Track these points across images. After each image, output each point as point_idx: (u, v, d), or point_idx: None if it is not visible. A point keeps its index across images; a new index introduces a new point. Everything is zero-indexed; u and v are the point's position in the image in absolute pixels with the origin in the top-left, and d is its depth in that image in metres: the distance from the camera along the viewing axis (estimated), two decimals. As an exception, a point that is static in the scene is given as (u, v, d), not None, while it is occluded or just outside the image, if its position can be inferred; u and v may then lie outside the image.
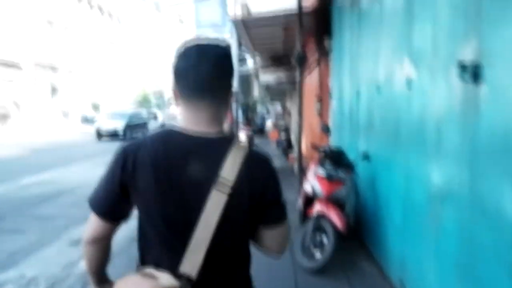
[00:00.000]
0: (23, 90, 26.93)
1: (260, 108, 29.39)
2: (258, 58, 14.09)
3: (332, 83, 6.22)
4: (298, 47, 6.69)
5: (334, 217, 3.53)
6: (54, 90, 30.11)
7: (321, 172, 3.70)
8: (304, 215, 3.94)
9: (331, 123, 6.33)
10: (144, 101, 40.65)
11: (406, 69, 2.94)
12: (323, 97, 6.82)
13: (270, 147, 15.50)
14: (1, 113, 25.06)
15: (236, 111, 12.24)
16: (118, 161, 1.04)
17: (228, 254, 1.05)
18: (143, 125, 20.68)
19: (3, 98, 25.31)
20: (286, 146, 11.86)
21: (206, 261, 0.97)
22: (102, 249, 1.13)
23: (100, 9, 36.26)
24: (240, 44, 14.02)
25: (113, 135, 18.08)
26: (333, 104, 6.12)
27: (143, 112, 23.02)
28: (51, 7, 28.52)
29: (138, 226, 1.09)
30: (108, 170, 1.07)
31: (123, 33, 40.31)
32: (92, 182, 4.91)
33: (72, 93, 31.80)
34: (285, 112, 18.82)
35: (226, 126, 1.14)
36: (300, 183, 6.96)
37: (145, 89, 42.64)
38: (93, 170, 9.36)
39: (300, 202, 4.31)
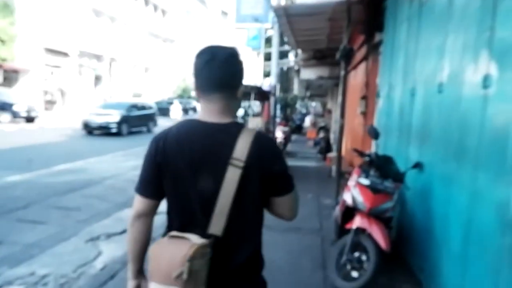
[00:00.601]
0: (69, 77, 27.98)
1: (299, 105, 28.73)
2: (300, 53, 13.54)
3: (381, 81, 5.61)
4: (344, 40, 6.12)
5: (377, 234, 3.02)
6: (98, 79, 31.10)
7: (365, 181, 3.19)
8: (342, 229, 3.45)
9: (376, 125, 5.72)
10: (184, 93, 41.15)
11: (483, 65, 2.37)
12: (368, 96, 6.22)
13: (306, 146, 14.94)
14: (48, 99, 26.16)
15: (274, 107, 11.80)
16: (152, 148, 1.30)
17: (244, 218, 1.25)
18: (149, 118, 17.91)
19: (50, 84, 26.41)
20: (324, 147, 11.27)
21: (228, 223, 1.20)
22: (145, 225, 1.33)
23: (146, 1, 37.00)
24: (282, 37, 13.52)
25: (105, 129, 15.28)
26: (380, 104, 5.52)
27: (149, 103, 19.57)
28: (99, -2, 29.41)
29: (167, 200, 1.30)
30: (145, 157, 1.32)
31: (167, 25, 40.95)
32: (122, 173, 6.40)
33: (114, 82, 32.74)
34: (325, 110, 18.12)
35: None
36: (338, 188, 6.42)
37: (186, 81, 43.17)
38: (124, 161, 9.32)
39: (337, 212, 3.82)
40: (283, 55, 14.39)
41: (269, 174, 1.26)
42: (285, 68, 19.23)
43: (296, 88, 20.77)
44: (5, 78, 22.93)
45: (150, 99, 30.10)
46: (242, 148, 1.22)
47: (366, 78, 6.33)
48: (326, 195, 6.62)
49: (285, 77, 18.56)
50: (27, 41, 22.92)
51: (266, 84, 12.64)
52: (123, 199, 5.91)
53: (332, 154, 10.21)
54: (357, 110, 6.46)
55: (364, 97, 6.31)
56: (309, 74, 12.19)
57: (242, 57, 1.33)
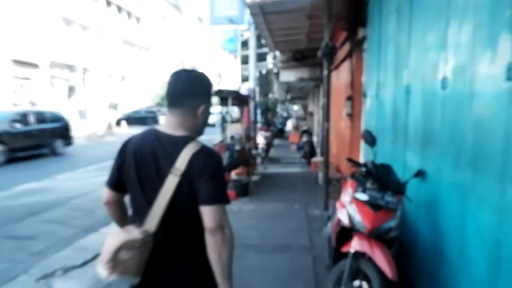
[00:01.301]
0: (40, 89, 26.80)
1: (280, 109, 28.36)
2: (278, 55, 13.13)
3: (367, 79, 5.19)
4: (325, 37, 5.69)
5: (381, 259, 2.54)
6: (71, 90, 29.95)
7: (363, 196, 2.70)
8: (337, 252, 2.95)
9: (364, 127, 5.29)
10: (163, 101, 40.27)
11: (505, 51, 1.92)
12: (354, 96, 5.80)
13: (289, 151, 14.49)
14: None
15: (254, 112, 11.31)
16: (119, 150, 1.57)
17: (178, 220, 1.44)
18: (53, 134, 12.50)
19: (20, 97, 25.20)
20: (308, 151, 10.83)
21: (162, 222, 1.42)
22: (114, 210, 1.63)
23: (119, 8, 36.05)
24: (259, 39, 13.08)
25: None
26: (368, 104, 5.09)
27: (57, 112, 14.41)
28: (67, 6, 28.34)
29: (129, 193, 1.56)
30: (116, 156, 1.58)
31: (142, 32, 40.02)
32: (91, 190, 6.65)
33: (89, 93, 31.62)
34: (307, 113, 17.76)
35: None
36: (326, 196, 5.95)
37: (164, 89, 42.33)
38: (96, 176, 8.61)
39: (329, 230, 3.32)
40: (261, 57, 13.94)
41: (197, 183, 1.39)
42: (264, 71, 18.82)
43: (276, 92, 20.37)
44: (-31, 92, 21.67)
45: (127, 108, 29.19)
46: (183, 159, 1.39)
47: (351, 77, 5.91)
48: (314, 205, 6.14)
49: (264, 80, 18.12)
50: (-8, 52, 21.74)
51: (245, 88, 12.16)
52: (88, 222, 5.26)
53: (317, 159, 9.76)
54: (343, 112, 6.03)
55: (349, 98, 5.88)
56: (288, 76, 11.78)
57: (205, 80, 1.53)
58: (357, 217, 2.67)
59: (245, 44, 15.88)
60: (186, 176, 1.37)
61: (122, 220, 1.62)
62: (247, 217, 5.55)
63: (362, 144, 5.35)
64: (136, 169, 1.46)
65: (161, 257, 1.44)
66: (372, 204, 2.66)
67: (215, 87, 9.78)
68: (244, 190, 6.88)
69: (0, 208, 5.99)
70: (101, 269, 1.37)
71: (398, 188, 2.87)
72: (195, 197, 1.39)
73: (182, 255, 1.46)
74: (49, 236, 4.66)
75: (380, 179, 2.83)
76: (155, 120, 28.47)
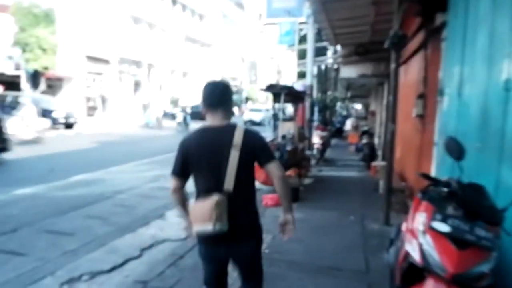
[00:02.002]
0: (110, 84, 28.39)
1: (339, 107, 27.08)
2: (339, 49, 12.26)
3: (446, 74, 4.32)
4: (395, 25, 4.89)
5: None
6: (137, 84, 31.39)
7: (443, 227, 2.00)
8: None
9: (439, 131, 4.44)
10: (222, 97, 40.75)
11: None
12: (427, 94, 4.92)
13: (347, 152, 13.57)
14: (90, 106, 26.64)
15: (310, 109, 10.63)
16: (181, 146, 2.11)
17: (243, 179, 2.03)
18: None
19: (93, 91, 26.90)
20: (368, 154, 9.91)
21: (235, 183, 1.99)
22: (179, 196, 2.14)
23: (183, 6, 37.04)
24: (319, 34, 12.32)
25: None
26: (446, 104, 4.23)
27: None
28: (136, 5, 29.65)
29: (194, 177, 2.11)
30: (177, 151, 2.12)
31: (205, 29, 40.83)
32: (139, 185, 7.00)
33: (153, 88, 32.92)
34: (368, 112, 16.58)
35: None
36: (387, 209, 5.17)
37: (223, 85, 42.77)
38: (147, 171, 8.58)
39: (393, 262, 2.64)
40: (320, 52, 13.12)
41: (254, 152, 2.05)
42: (323, 67, 17.93)
43: (335, 89, 19.34)
44: (49, 86, 23.52)
45: (187, 103, 29.88)
46: (238, 138, 2.01)
47: (424, 72, 5.03)
48: (372, 217, 5.38)
49: (323, 77, 17.23)
50: (69, 49, 23.38)
51: (300, 84, 11.46)
52: (128, 220, 5.05)
53: (378, 163, 8.84)
54: (412, 112, 5.17)
55: (421, 96, 5.01)
56: (349, 72, 10.89)
57: (231, 88, 2.21)
58: (434, 255, 1.98)
59: (303, 39, 15.16)
60: (243, 149, 1.99)
61: (184, 204, 2.15)
62: (295, 226, 4.97)
63: (436, 152, 4.50)
64: (204, 157, 2.03)
65: (234, 209, 1.98)
66: (457, 239, 1.95)
67: (268, 82, 9.35)
68: (293, 195, 6.28)
69: (51, 198, 6.06)
70: (202, 227, 1.95)
71: (493, 218, 2.10)
72: (251, 162, 2.06)
73: (245, 206, 2.08)
74: (86, 233, 4.50)
75: (468, 204, 2.10)
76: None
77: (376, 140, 11.95)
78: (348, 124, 16.11)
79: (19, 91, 19.74)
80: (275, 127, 7.05)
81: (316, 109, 12.24)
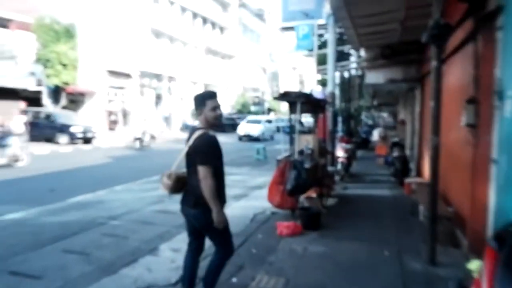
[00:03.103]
0: (132, 98, 28.36)
1: (364, 117, 25.74)
2: (363, 54, 11.25)
3: (506, 71, 3.30)
4: (434, 12, 3.92)
5: None
6: (158, 98, 31.28)
7: None
8: None
9: (499, 145, 3.40)
10: (244, 108, 40.18)
11: None
12: (480, 97, 3.88)
13: (374, 165, 12.39)
14: (112, 120, 26.62)
15: (332, 120, 9.64)
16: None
17: (190, 168, 2.84)
18: None
19: (114, 105, 26.91)
20: (400, 168, 8.78)
21: (186, 169, 2.90)
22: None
23: (204, 19, 37.00)
24: (340, 38, 11.37)
25: None
26: (509, 109, 3.20)
27: None
28: (157, 19, 29.70)
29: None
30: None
31: (225, 41, 40.63)
32: (139, 208, 6.37)
33: (174, 101, 32.74)
34: (398, 121, 15.34)
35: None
36: (433, 242, 4.11)
37: (245, 96, 42.23)
38: (152, 190, 7.83)
39: None
40: (341, 58, 12.14)
41: (194, 152, 2.74)
42: (346, 75, 16.89)
43: (360, 97, 18.19)
44: (72, 101, 23.64)
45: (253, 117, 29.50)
46: (192, 138, 2.78)
47: (475, 71, 4.00)
48: (412, 252, 4.34)
49: (347, 84, 16.17)
50: (90, 64, 23.47)
51: (318, 91, 10.49)
52: (113, 256, 4.24)
53: (413, 180, 7.73)
54: (460, 121, 4.13)
55: (471, 101, 3.97)
56: (376, 77, 9.84)
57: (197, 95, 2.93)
58: None
59: (323, 45, 14.24)
60: (190, 147, 2.76)
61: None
62: (313, 265, 4.01)
63: (495, 172, 3.45)
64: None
65: (185, 185, 2.86)
66: None
67: (281, 90, 8.42)
68: (314, 222, 5.32)
69: (34, 226, 5.37)
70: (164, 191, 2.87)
71: None
72: (193, 158, 2.75)
73: (191, 185, 2.79)
74: (58, 275, 3.71)
75: None
76: (234, 127, 28.05)
77: (407, 152, 10.77)
78: (376, 135, 14.92)
79: (41, 106, 19.82)
80: (292, 141, 6.13)
81: (339, 119, 11.22)
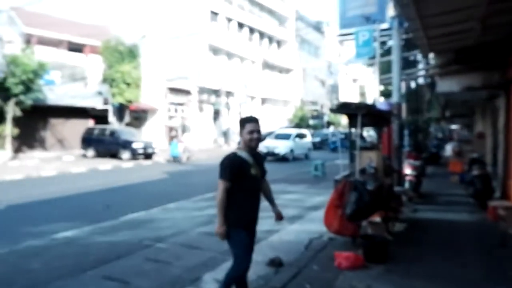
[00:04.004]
0: (191, 114, 29.19)
1: (434, 129, 23.62)
2: (433, 60, 10.16)
3: None
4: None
5: None
6: (216, 113, 31.85)
7: None
8: None
9: None
10: (302, 122, 39.45)
11: None
12: None
13: (447, 183, 11.04)
14: (172, 136, 27.54)
15: (398, 133, 8.68)
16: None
17: None
18: None
19: (175, 121, 27.89)
20: (481, 189, 7.56)
21: None
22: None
23: (261, 34, 37.30)
24: (406, 44, 10.39)
25: None
26: None
27: None
28: (215, 36, 30.46)
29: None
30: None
31: (283, 55, 40.55)
32: (188, 229, 6.26)
33: (232, 116, 33.11)
34: (475, 134, 13.67)
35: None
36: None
37: (303, 110, 41.54)
38: (205, 208, 7.53)
39: None
40: (407, 66, 11.08)
41: None
42: (413, 85, 15.59)
43: (429, 108, 16.65)
44: (136, 118, 24.90)
45: (265, 130, 29.16)
46: None
47: None
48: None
49: (413, 95, 14.88)
50: (152, 82, 24.60)
51: (382, 102, 9.56)
52: (153, 286, 3.89)
53: (500, 203, 6.55)
54: None
55: None
56: (449, 85, 8.72)
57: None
58: None
59: (386, 53, 13.23)
60: None
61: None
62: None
63: None
64: None
65: None
66: None
67: (337, 100, 7.75)
68: (379, 253, 4.55)
69: (82, 246, 5.28)
70: None
71: None
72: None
73: None
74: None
75: None
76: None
77: (488, 169, 9.36)
78: (449, 149, 13.40)
79: (107, 124, 21.05)
80: (352, 159, 5.44)
81: (406, 132, 10.17)
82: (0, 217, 7.26)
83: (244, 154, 3.00)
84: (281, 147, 19.18)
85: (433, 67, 9.53)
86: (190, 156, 18.65)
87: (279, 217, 3.22)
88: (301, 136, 21.79)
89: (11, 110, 16.38)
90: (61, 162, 16.89)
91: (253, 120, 3.05)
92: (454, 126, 25.41)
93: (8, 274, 4.23)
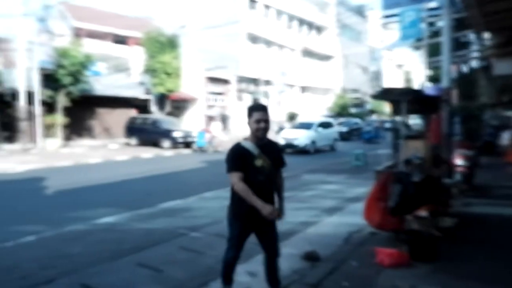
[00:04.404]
0: (230, 103, 29.31)
1: (488, 116, 21.85)
2: (488, 40, 9.28)
3: None
4: None
5: None
6: (255, 102, 31.74)
7: None
8: None
9: None
10: (343, 110, 38.36)
11: None
12: None
13: (505, 175, 10.15)
14: (208, 125, 27.88)
15: (448, 121, 8.02)
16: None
17: None
18: None
19: (214, 110, 28.16)
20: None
21: None
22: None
23: (300, 21, 36.45)
24: (457, 23, 9.56)
25: None
26: None
27: None
28: (254, 25, 30.15)
29: None
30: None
31: (323, 42, 39.46)
32: (216, 221, 5.77)
33: (271, 104, 32.86)
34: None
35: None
36: None
37: (344, 98, 40.33)
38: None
39: None
40: (458, 47, 10.19)
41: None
42: (464, 69, 14.45)
43: (483, 93, 15.39)
44: (176, 107, 25.39)
45: (304, 119, 28.64)
46: None
47: None
48: None
49: (465, 79, 13.78)
50: (191, 72, 24.88)
51: (430, 87, 8.82)
52: (184, 276, 3.86)
53: None
54: None
55: None
56: (507, 67, 7.92)
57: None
58: None
59: (434, 34, 12.28)
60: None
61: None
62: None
63: None
64: None
65: None
66: None
67: (380, 87, 7.26)
68: (425, 250, 4.19)
69: (121, 232, 5.38)
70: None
71: None
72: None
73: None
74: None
75: None
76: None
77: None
78: (506, 138, 12.34)
79: (148, 113, 21.65)
80: (396, 148, 5.06)
81: (457, 120, 9.41)
82: (47, 202, 7.63)
83: (248, 145, 2.85)
84: (301, 138, 17.00)
85: (489, 47, 8.69)
86: (216, 146, 18.27)
87: (277, 214, 2.81)
88: (325, 125, 19.36)
89: (61, 100, 17.28)
90: (106, 150, 17.61)
91: (261, 109, 2.87)
92: (508, 113, 23.37)
93: (49, 258, 4.37)
